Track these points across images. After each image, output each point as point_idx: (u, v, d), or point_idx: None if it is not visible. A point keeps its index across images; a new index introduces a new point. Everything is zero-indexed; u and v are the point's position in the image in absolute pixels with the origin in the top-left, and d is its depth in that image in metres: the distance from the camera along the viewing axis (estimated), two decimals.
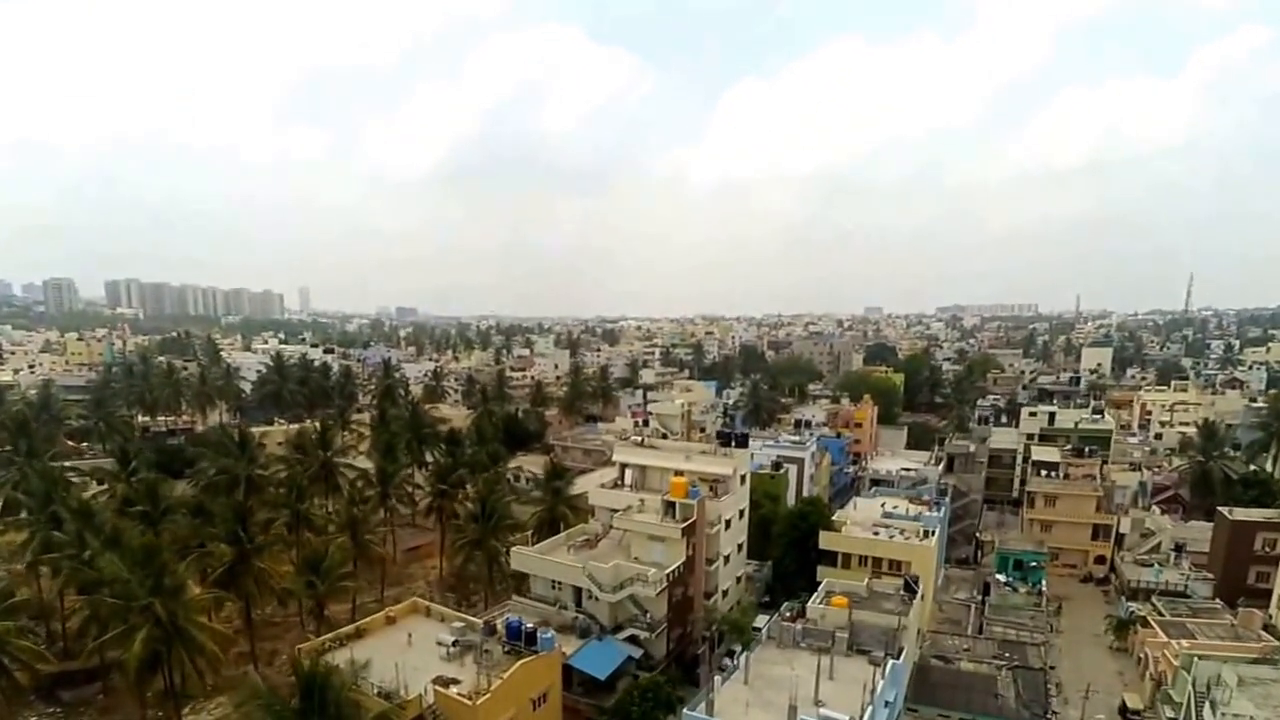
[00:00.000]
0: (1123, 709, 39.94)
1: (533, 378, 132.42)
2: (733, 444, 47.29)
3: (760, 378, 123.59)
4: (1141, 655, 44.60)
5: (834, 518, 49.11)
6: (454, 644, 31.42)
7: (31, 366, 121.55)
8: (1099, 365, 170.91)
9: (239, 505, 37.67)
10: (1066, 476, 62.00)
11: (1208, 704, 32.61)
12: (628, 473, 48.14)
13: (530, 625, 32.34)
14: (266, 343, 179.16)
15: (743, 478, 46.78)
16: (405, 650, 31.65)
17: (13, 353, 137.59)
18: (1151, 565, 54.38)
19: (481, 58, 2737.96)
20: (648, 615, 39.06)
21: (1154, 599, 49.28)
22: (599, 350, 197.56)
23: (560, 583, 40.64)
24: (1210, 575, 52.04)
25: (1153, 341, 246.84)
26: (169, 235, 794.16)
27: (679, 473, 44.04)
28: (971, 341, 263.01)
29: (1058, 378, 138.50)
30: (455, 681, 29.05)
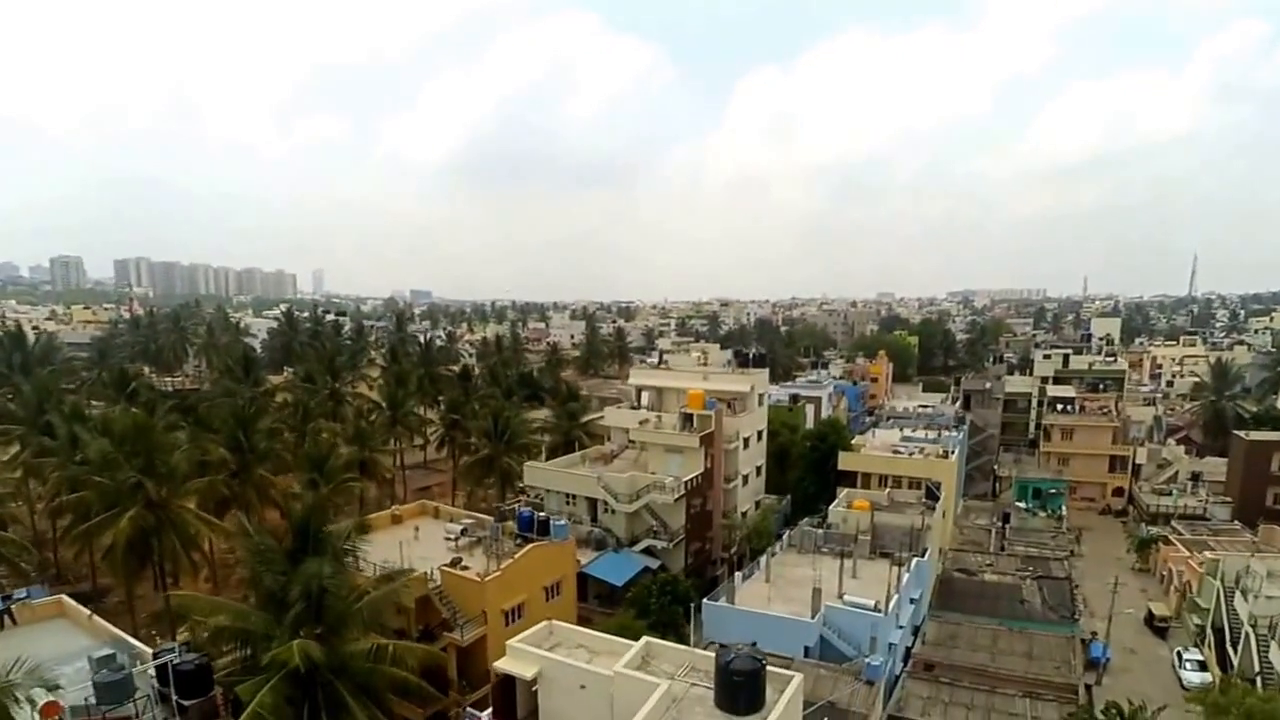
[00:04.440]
0: (1149, 619, 39.24)
1: (549, 343, 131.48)
2: (750, 364, 46.25)
3: (776, 343, 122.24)
4: (1164, 572, 44.00)
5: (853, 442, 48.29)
6: (463, 532, 30.60)
7: (35, 327, 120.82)
8: (1108, 334, 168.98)
9: (241, 410, 36.60)
10: (1082, 410, 60.97)
11: (1238, 594, 31.87)
12: (644, 395, 47.27)
13: (543, 515, 31.53)
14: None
15: (760, 397, 45.83)
16: (412, 544, 30.55)
17: (16, 320, 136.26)
18: (1170, 494, 53.55)
19: (499, 47, 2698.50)
20: (665, 525, 38.34)
21: (1173, 522, 48.60)
22: (615, 323, 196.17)
23: (575, 497, 39.90)
24: (1228, 499, 51.24)
25: (1158, 317, 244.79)
26: (182, 222, 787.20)
27: None
28: (983, 318, 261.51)
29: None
30: (465, 567, 28.35)
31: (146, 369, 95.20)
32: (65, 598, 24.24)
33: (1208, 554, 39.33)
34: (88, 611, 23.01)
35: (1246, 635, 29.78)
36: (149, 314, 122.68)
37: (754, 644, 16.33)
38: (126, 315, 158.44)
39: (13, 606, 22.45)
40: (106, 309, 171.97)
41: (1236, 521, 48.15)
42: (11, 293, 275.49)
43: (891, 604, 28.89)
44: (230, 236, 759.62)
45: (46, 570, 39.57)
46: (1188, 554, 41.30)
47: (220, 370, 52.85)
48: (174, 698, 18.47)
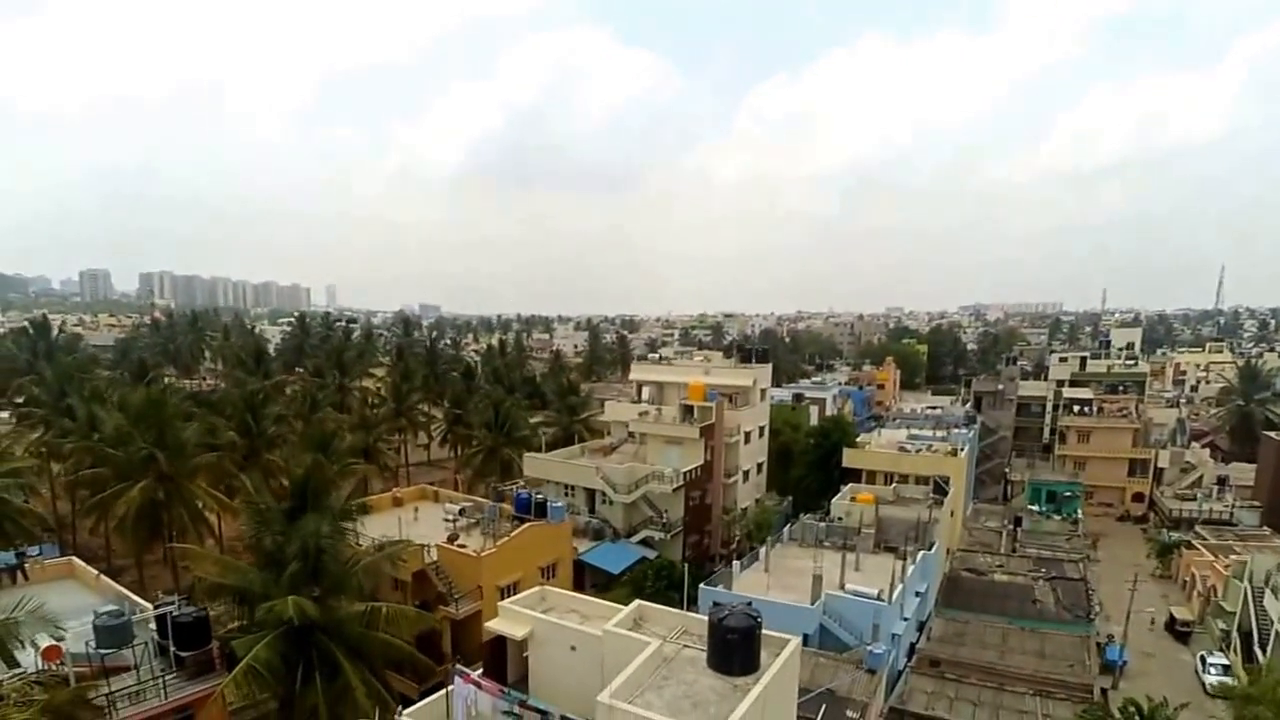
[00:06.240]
0: (1170, 623, 37.71)
1: (552, 351, 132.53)
2: (753, 359, 46.00)
3: (780, 350, 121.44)
4: (1187, 578, 42.36)
5: (858, 440, 47.57)
6: (461, 511, 30.66)
7: (61, 329, 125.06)
8: (1130, 343, 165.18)
9: (251, 396, 37.23)
10: (1100, 412, 59.31)
11: (1268, 593, 30.58)
12: (644, 391, 47.19)
13: (540, 496, 31.46)
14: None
15: (763, 392, 45.47)
16: (411, 524, 30.77)
17: (43, 314, 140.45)
18: (1193, 499, 51.74)
19: (509, 58, 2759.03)
20: (663, 515, 37.96)
21: (1198, 527, 46.86)
22: (619, 333, 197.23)
23: (573, 487, 39.77)
24: (1257, 504, 49.32)
25: (1182, 329, 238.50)
26: (202, 233, 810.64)
27: None
28: (995, 329, 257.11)
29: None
30: (462, 545, 28.35)
31: (166, 369, 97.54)
32: (75, 559, 24.69)
33: (1234, 557, 37.90)
34: (96, 572, 23.37)
35: (1277, 634, 28.48)
36: (169, 317, 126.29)
37: (749, 603, 15.94)
38: (149, 322, 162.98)
39: (25, 565, 22.88)
40: (130, 317, 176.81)
41: (1266, 527, 46.33)
42: (44, 303, 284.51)
43: (895, 593, 28.16)
44: (248, 250, 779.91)
45: (64, 551, 40.40)
46: (1213, 558, 39.78)
47: (233, 363, 53.87)
48: (172, 649, 18.64)
